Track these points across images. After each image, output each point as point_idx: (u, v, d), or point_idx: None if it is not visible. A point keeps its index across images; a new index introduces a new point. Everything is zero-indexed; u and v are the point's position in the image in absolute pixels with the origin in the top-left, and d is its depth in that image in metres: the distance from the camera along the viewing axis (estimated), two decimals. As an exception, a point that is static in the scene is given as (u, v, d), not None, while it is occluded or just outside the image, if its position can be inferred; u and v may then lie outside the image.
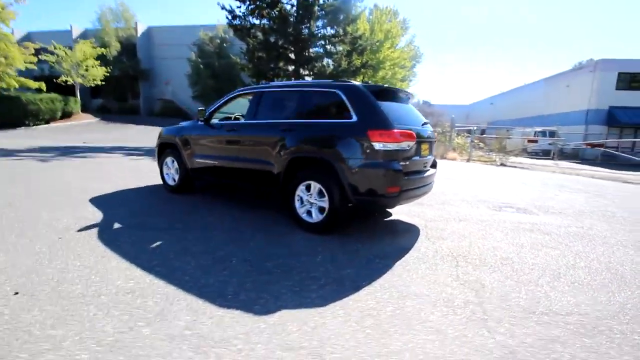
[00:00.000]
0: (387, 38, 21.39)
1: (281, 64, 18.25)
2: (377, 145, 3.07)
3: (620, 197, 6.91)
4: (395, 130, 3.08)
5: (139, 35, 30.86)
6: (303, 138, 3.48)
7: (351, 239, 3.36)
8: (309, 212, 3.52)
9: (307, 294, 2.28)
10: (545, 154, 18.22)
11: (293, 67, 18.21)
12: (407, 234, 3.65)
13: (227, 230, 3.48)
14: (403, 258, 2.96)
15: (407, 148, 3.23)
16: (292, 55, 17.98)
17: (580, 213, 5.10)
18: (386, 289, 2.38)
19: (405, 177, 3.21)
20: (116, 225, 3.47)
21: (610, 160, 18.03)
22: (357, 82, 3.46)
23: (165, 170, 5.14)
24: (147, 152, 11.10)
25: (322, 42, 18.27)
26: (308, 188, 3.50)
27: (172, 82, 31.28)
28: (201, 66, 26.73)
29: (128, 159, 9.02)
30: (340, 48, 18.34)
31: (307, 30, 17.67)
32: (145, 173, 6.68)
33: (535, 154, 18.00)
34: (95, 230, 3.28)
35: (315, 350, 1.71)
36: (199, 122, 4.59)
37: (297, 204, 3.57)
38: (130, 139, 16.37)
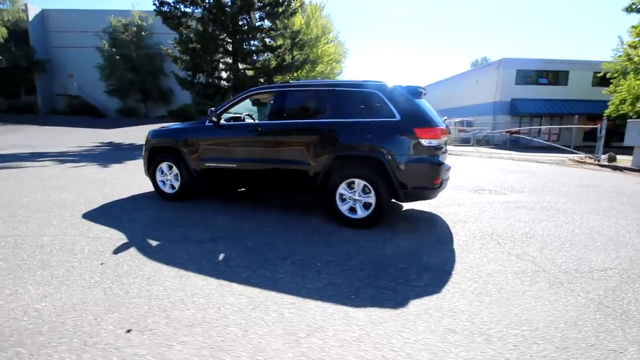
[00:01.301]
0: (323, 33, 21.85)
1: (219, 57, 17.40)
2: (425, 142, 3.34)
3: (548, 175, 8.47)
4: (438, 128, 3.38)
5: (30, 19, 25.86)
6: (347, 137, 3.56)
7: (396, 232, 3.59)
8: (351, 209, 3.64)
9: (414, 283, 2.45)
10: (464, 141, 20.93)
11: (231, 60, 17.51)
12: (434, 221, 4.03)
13: (279, 234, 3.39)
14: (455, 243, 3.31)
15: (444, 143, 3.57)
16: (230, 47, 17.25)
17: (535, 191, 6.17)
18: (469, 270, 2.68)
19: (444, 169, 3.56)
20: (153, 242, 3.10)
21: (514, 144, 21.57)
22: (389, 83, 3.64)
23: (159, 178, 4.65)
24: (82, 157, 9.67)
25: (262, 35, 17.84)
26: (350, 185, 3.60)
27: (76, 74, 27.07)
28: (117, 57, 23.72)
29: (67, 167, 7.74)
30: (280, 42, 18.14)
31: (246, 22, 17.07)
32: (109, 181, 5.90)
33: (458, 142, 20.52)
34: (135, 250, 2.90)
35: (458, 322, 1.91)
36: (208, 123, 4.27)
37: (339, 202, 3.65)
38: (45, 143, 13.88)
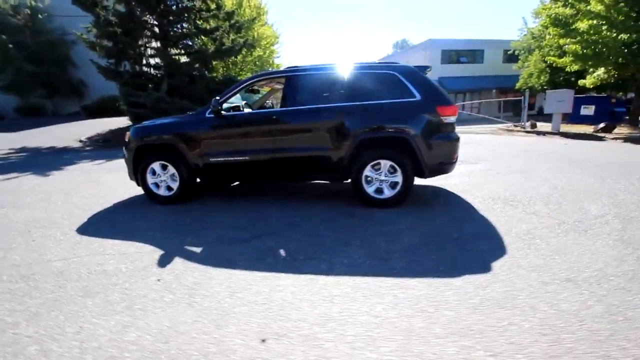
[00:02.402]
0: (258, 15, 20.90)
1: (144, 41, 15.61)
2: (447, 119, 3.54)
3: (494, 143, 9.57)
4: (455, 105, 3.61)
5: None
6: (371, 119, 3.58)
7: (421, 208, 3.80)
8: (378, 190, 3.73)
9: (479, 248, 2.66)
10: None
11: (160, 44, 15.87)
12: (443, 194, 4.34)
13: (316, 223, 3.33)
14: (477, 210, 3.64)
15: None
16: (157, 30, 15.59)
17: (497, 158, 6.96)
18: (510, 231, 3.00)
19: None
20: (193, 249, 2.81)
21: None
22: (406, 64, 3.73)
23: (151, 180, 4.14)
24: (1, 168, 8.07)
25: (193, 17, 16.41)
26: (375, 167, 3.68)
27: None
28: (10, 46, 19.77)
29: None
30: (213, 24, 16.93)
31: (175, 2, 15.56)
32: (69, 192, 5.08)
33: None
34: (182, 260, 2.60)
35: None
36: (209, 115, 3.91)
37: (365, 184, 3.71)
38: None
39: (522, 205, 3.70)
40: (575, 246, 2.64)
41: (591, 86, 13.01)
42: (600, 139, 9.87)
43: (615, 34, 10.25)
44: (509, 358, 1.53)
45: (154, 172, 4.14)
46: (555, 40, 12.62)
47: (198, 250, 2.79)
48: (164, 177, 4.12)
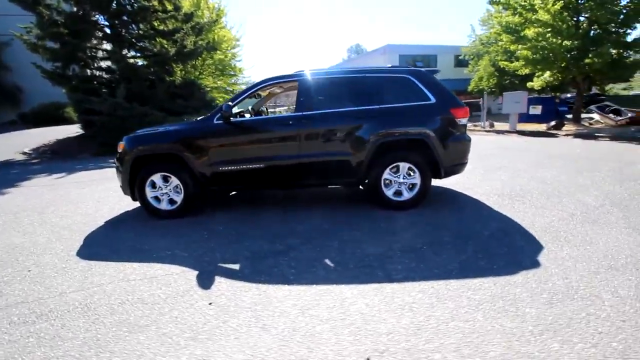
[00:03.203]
0: (218, 17, 20.21)
1: (94, 43, 14.39)
2: (460, 121, 3.66)
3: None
4: (466, 107, 3.75)
5: None
6: (389, 123, 3.59)
7: (437, 208, 3.89)
8: (397, 192, 3.75)
9: (517, 244, 2.77)
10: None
11: (112, 46, 14.73)
12: (451, 193, 4.49)
13: (343, 228, 3.24)
14: (491, 206, 3.81)
15: (464, 121, 3.98)
16: (109, 31, 14.46)
17: (474, 156, 7.37)
18: (534, 224, 3.17)
19: None
20: (230, 266, 2.59)
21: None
22: (418, 68, 3.80)
23: (151, 193, 3.78)
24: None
25: (150, 18, 15.44)
26: (393, 170, 3.70)
27: None
28: None
29: None
30: (171, 25, 16.10)
31: (129, 2, 14.54)
32: (44, 210, 4.49)
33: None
34: (225, 279, 2.39)
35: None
36: (217, 121, 3.67)
37: (383, 187, 3.72)
38: None
39: (527, 200, 3.93)
40: (596, 236, 2.85)
41: (538, 88, 14.35)
42: (554, 135, 10.90)
43: (560, 41, 11.40)
44: (607, 347, 1.59)
45: (153, 185, 3.78)
46: (507, 46, 13.74)
47: (236, 266, 2.58)
48: (166, 190, 3.79)
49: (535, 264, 2.41)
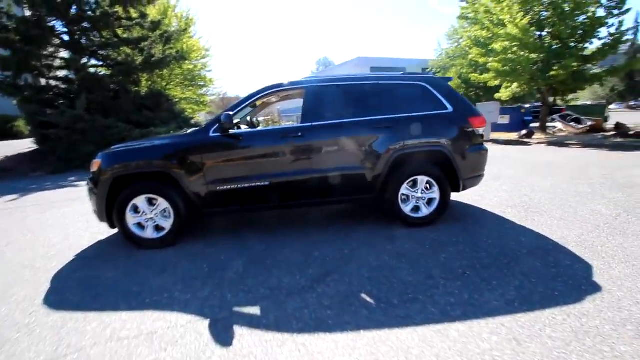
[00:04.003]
0: (187, 26, 19.45)
1: (50, 50, 13.21)
2: (479, 131, 3.46)
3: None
4: (483, 116, 3.56)
5: None
6: (408, 133, 3.30)
7: (460, 224, 3.63)
8: (414, 208, 3.46)
9: (562, 263, 2.54)
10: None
11: (71, 54, 13.62)
12: (463, 206, 4.28)
13: (372, 255, 2.87)
14: (514, 220, 3.61)
15: (477, 130, 3.79)
16: (68, 38, 13.36)
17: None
18: (566, 236, 2.99)
19: None
20: (250, 309, 2.13)
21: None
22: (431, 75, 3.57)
23: (132, 220, 3.21)
24: None
25: (114, 25, 14.47)
26: (412, 184, 3.42)
27: None
28: None
29: None
30: (137, 34, 15.22)
31: (90, 8, 13.55)
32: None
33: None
34: (251, 331, 1.92)
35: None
36: (213, 134, 3.20)
37: (401, 203, 3.41)
38: None
39: (543, 211, 3.79)
40: (634, 249, 2.70)
41: (506, 99, 15.01)
42: (527, 144, 11.30)
43: (527, 54, 11.99)
44: None
45: (136, 210, 3.21)
46: (477, 59, 14.29)
47: (256, 310, 2.12)
48: (151, 215, 3.23)
49: (596, 287, 2.18)
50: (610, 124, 14.02)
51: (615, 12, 11.27)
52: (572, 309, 1.95)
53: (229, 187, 3.22)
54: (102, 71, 14.86)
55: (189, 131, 3.43)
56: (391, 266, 2.61)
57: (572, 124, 13.78)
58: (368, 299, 2.17)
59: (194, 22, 20.46)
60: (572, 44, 12.22)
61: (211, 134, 3.20)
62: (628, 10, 11.09)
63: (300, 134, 3.23)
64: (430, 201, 3.46)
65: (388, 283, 2.36)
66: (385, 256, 2.80)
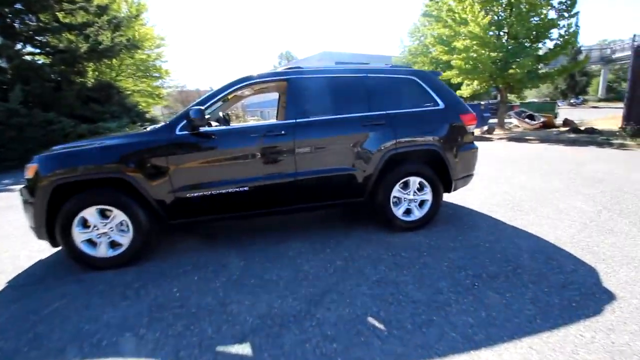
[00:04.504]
0: (138, 12, 17.87)
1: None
2: (470, 128, 3.31)
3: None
4: (474, 112, 3.41)
5: None
6: (401, 131, 3.05)
7: (453, 227, 3.47)
8: (406, 211, 3.24)
9: (583, 282, 2.43)
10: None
11: (4, 39, 11.92)
12: (450, 204, 4.14)
13: (370, 265, 2.59)
14: (512, 224, 3.52)
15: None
16: (-2, 22, 11.70)
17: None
18: (573, 238, 2.92)
19: None
20: (242, 350, 1.75)
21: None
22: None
23: (81, 236, 2.64)
24: None
25: (51, 9, 12.90)
26: (403, 185, 3.19)
27: None
28: None
29: None
30: (82, 19, 13.74)
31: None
32: None
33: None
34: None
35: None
36: (179, 132, 2.72)
37: (392, 206, 3.17)
38: None
39: (528, 210, 3.75)
40: (628, 248, 2.69)
41: (467, 96, 15.54)
42: (489, 139, 11.72)
43: (487, 52, 12.40)
44: None
45: (84, 224, 2.67)
46: (441, 57, 14.61)
47: (246, 349, 1.74)
48: (105, 229, 2.70)
49: (609, 295, 2.07)
50: (559, 121, 15.03)
51: (566, 14, 11.96)
52: (596, 324, 1.81)
53: (200, 193, 2.77)
54: (41, 59, 13.21)
55: (149, 128, 2.91)
56: (393, 280, 2.35)
57: (526, 120, 14.56)
58: (377, 324, 1.88)
59: (146, 8, 18.85)
60: (527, 45, 12.84)
61: (178, 132, 2.73)
62: (577, 14, 11.81)
63: (283, 132, 2.85)
64: (422, 203, 3.25)
65: (395, 302, 2.08)
66: (383, 267, 2.54)
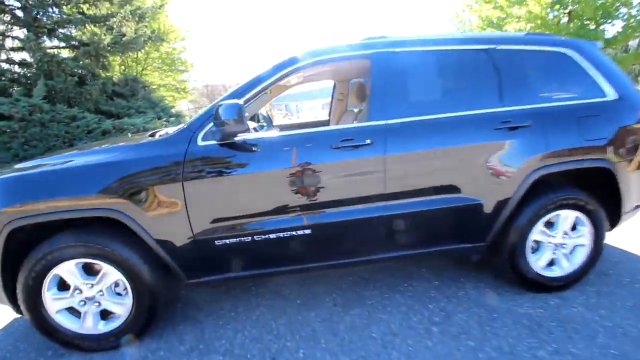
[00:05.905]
0: (163, 2, 17.20)
1: (1, 28, 11.17)
2: (651, 131, 2.06)
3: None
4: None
5: None
6: (551, 137, 1.88)
7: (620, 284, 2.26)
8: (550, 263, 2.07)
9: None
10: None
11: (28, 32, 11.52)
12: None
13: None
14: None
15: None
16: (22, 14, 11.35)
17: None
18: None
19: None
20: None
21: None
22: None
23: (54, 303, 1.70)
24: None
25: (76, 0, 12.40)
26: (548, 223, 2.01)
27: None
28: None
29: None
30: (106, 10, 13.22)
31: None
32: None
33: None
34: None
35: None
36: (203, 141, 1.70)
37: (529, 254, 2.01)
38: None
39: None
40: None
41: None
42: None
43: (548, 34, 10.72)
44: None
45: (61, 285, 1.71)
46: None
47: None
48: (91, 292, 1.72)
49: None
50: None
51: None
52: None
53: (236, 239, 1.73)
54: (65, 53, 12.78)
55: (157, 136, 1.90)
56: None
57: None
58: None
59: (169, -1, 18.20)
60: (592, 26, 11.01)
61: (200, 142, 1.69)
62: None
63: (368, 140, 1.74)
64: (573, 249, 2.07)
65: None
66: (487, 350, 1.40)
